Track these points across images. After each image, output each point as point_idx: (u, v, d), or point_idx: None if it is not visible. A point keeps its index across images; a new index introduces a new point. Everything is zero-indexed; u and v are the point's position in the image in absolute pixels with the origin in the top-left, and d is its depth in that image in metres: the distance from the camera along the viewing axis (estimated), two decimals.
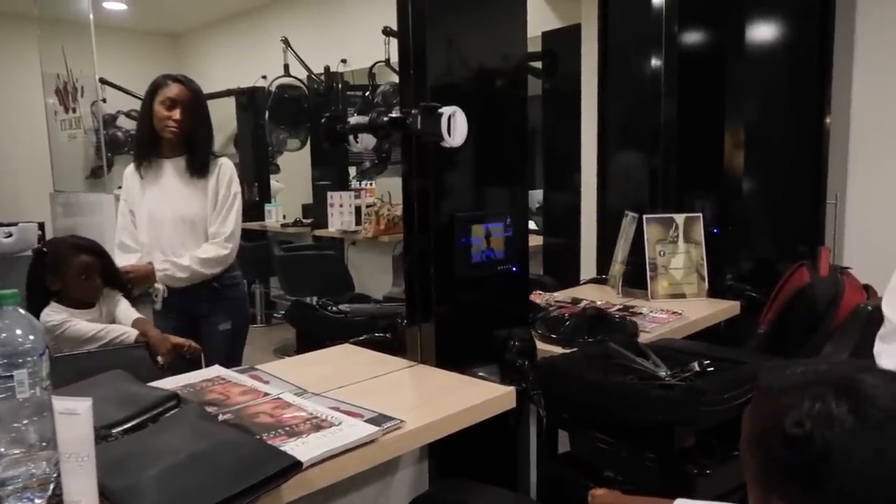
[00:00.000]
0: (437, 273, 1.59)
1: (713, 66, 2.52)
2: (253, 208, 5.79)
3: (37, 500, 0.96)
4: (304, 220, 5.44)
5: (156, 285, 2.17)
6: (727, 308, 2.27)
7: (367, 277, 4.66)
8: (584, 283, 2.76)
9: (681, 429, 1.34)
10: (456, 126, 1.43)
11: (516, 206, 1.72)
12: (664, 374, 1.40)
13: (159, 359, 1.84)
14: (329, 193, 4.92)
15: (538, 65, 3.82)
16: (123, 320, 2.03)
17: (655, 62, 2.52)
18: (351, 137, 1.59)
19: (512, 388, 1.44)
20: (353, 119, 1.59)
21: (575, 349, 1.70)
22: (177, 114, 2.14)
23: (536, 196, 4.33)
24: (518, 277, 1.73)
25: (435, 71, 1.55)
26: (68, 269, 1.93)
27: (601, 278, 2.67)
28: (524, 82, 1.74)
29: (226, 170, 2.23)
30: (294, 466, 1.00)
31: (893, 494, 0.58)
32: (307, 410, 1.26)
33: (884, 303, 1.26)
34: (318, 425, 1.19)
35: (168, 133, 2.16)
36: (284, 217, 5.64)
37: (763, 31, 2.62)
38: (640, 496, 1.09)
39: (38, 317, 1.87)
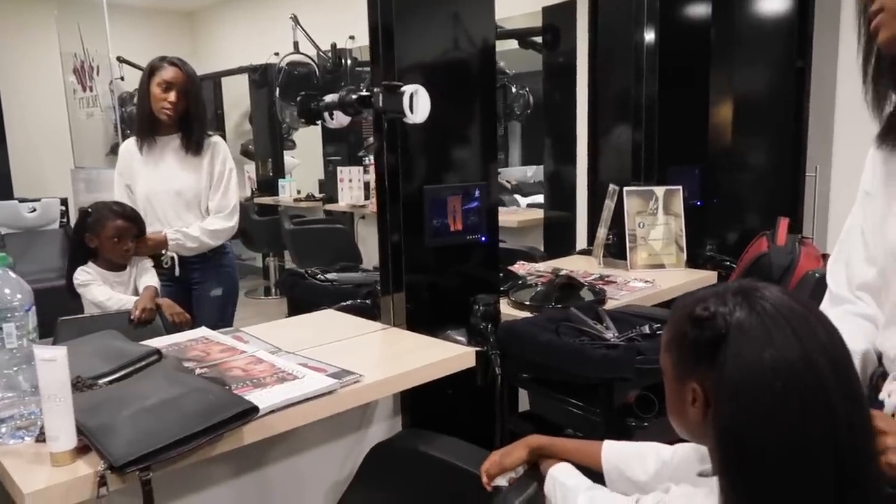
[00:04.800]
0: (408, 243, 1.70)
1: (698, 41, 2.56)
2: (266, 183, 5.94)
3: (27, 438, 1.10)
4: (316, 195, 5.56)
5: (167, 253, 2.32)
6: (703, 277, 2.34)
7: (374, 250, 4.78)
8: (571, 255, 2.84)
9: (620, 385, 1.44)
10: (418, 103, 1.52)
11: (485, 178, 1.81)
12: (611, 336, 1.49)
13: (136, 311, 1.98)
14: (339, 168, 5.04)
15: (539, 39, 3.86)
16: (142, 287, 2.18)
17: (640, 37, 2.57)
18: (326, 115, 1.69)
19: (472, 349, 1.55)
20: (328, 97, 1.68)
21: (538, 314, 1.80)
22: (172, 96, 2.27)
23: (540, 171, 4.38)
24: (487, 246, 1.83)
25: (403, 50, 1.64)
26: (104, 230, 2.11)
27: (588, 250, 2.75)
28: (492, 58, 1.81)
29: (219, 148, 2.36)
30: (251, 411, 1.13)
31: (779, 366, 0.73)
32: (277, 366, 1.38)
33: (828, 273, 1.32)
34: (282, 378, 1.31)
35: (164, 115, 2.29)
36: (299, 192, 5.77)
37: (748, 4, 2.65)
38: (572, 439, 1.19)
39: (75, 271, 2.11)
